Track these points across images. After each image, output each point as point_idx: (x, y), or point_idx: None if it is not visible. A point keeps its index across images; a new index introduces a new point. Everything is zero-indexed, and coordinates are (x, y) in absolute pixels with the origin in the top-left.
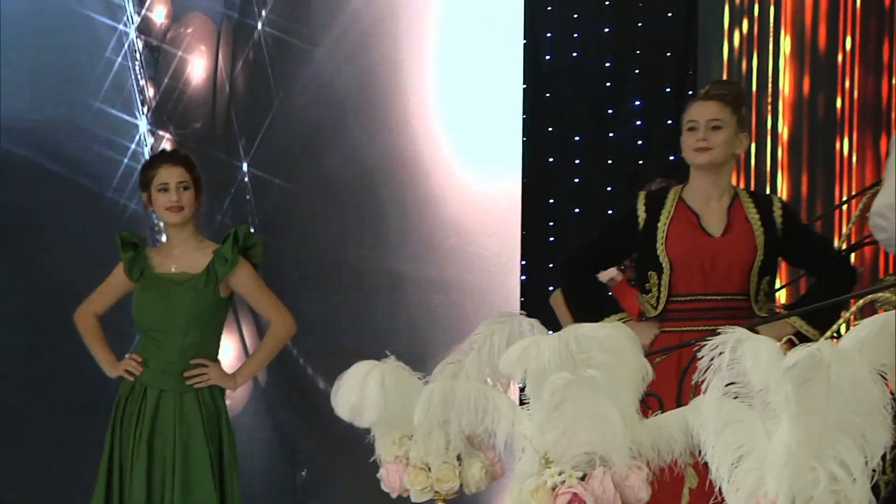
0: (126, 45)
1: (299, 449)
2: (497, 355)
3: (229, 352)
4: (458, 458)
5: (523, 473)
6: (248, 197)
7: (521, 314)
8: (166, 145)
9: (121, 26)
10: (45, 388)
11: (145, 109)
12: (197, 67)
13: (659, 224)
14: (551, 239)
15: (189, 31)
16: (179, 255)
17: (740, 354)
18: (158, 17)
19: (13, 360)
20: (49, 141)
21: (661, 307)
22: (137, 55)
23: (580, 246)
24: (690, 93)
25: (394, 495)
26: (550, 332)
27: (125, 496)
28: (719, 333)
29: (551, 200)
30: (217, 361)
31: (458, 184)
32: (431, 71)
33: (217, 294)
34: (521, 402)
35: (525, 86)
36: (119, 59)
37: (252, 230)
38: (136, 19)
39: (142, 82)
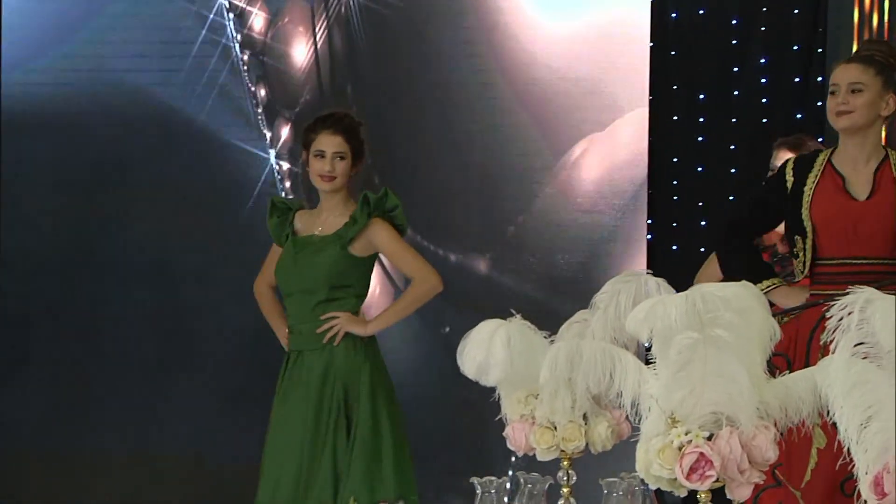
0: (232, 57)
1: None
2: (623, 315)
3: None
4: (584, 417)
5: (649, 433)
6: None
7: (647, 273)
8: (286, 130)
9: (223, 41)
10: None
11: (260, 110)
12: (299, 53)
13: (805, 188)
14: (675, 198)
15: (286, 20)
16: (325, 219)
17: (869, 314)
18: (258, 23)
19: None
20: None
21: (806, 271)
22: (244, 65)
23: (736, 211)
24: (820, 50)
25: (520, 454)
26: (677, 292)
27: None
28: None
29: (675, 159)
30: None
31: (584, 143)
32: (558, 30)
33: (348, 254)
34: (647, 362)
35: (652, 44)
36: (225, 71)
37: (389, 192)
38: (239, 36)
39: (252, 87)
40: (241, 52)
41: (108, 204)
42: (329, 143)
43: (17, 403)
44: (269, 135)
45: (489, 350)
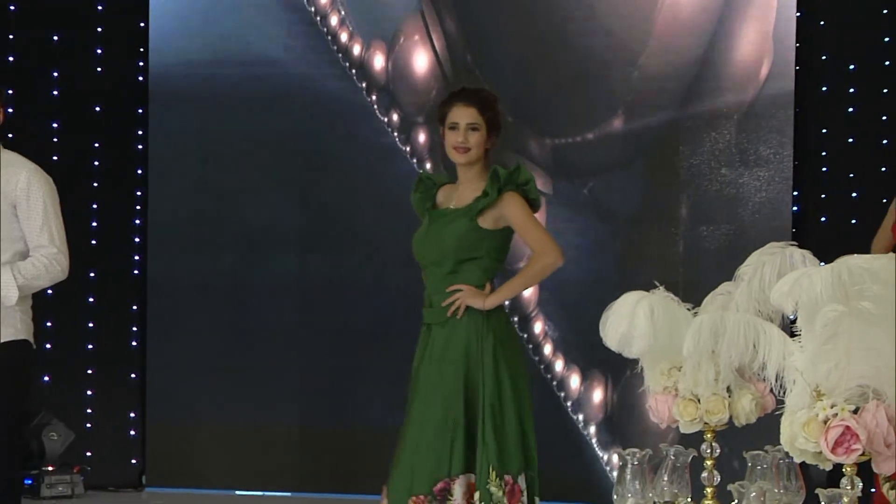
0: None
1: None
2: (767, 287)
3: None
4: (728, 389)
5: (794, 406)
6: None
7: (792, 245)
8: (422, 135)
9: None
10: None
11: (395, 134)
12: (420, 61)
13: None
14: (824, 169)
15: (402, 41)
16: (462, 192)
17: None
18: (378, 62)
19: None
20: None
21: None
22: (374, 104)
23: None
24: None
25: (662, 426)
26: (822, 264)
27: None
28: None
29: (824, 130)
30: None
31: (728, 114)
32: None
33: (476, 226)
34: (792, 335)
35: (798, 13)
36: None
37: (522, 166)
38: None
39: (385, 118)
40: (368, 95)
41: (253, 178)
42: (462, 114)
43: (167, 376)
44: (407, 150)
45: (632, 322)
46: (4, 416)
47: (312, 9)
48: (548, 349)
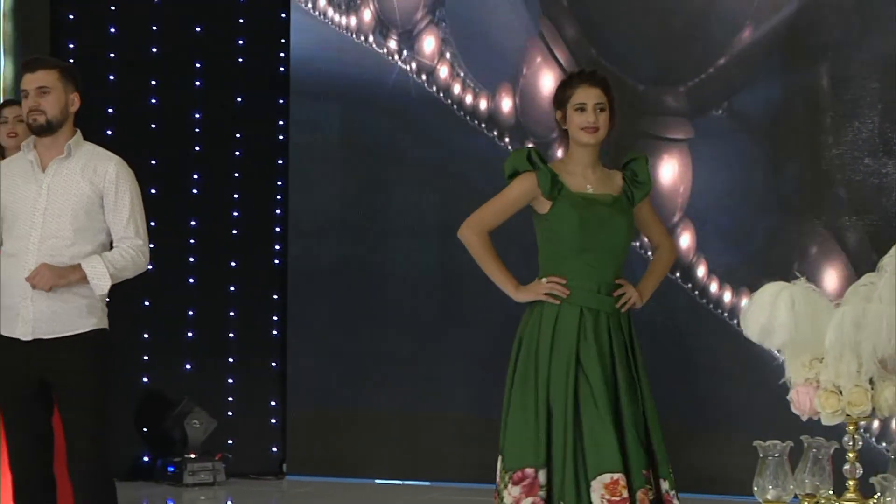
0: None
1: None
2: None
3: None
4: (871, 381)
5: None
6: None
7: None
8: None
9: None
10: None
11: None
12: (546, 82)
13: None
14: None
15: (525, 70)
16: (592, 176)
17: None
18: (506, 106)
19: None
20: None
21: None
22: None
23: None
24: None
25: (804, 418)
26: None
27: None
28: None
29: None
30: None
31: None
32: None
33: (632, 215)
34: None
35: None
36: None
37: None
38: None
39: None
40: (501, 140)
41: (393, 167)
42: (589, 95)
43: (307, 364)
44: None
45: (772, 313)
46: (99, 401)
47: (434, 87)
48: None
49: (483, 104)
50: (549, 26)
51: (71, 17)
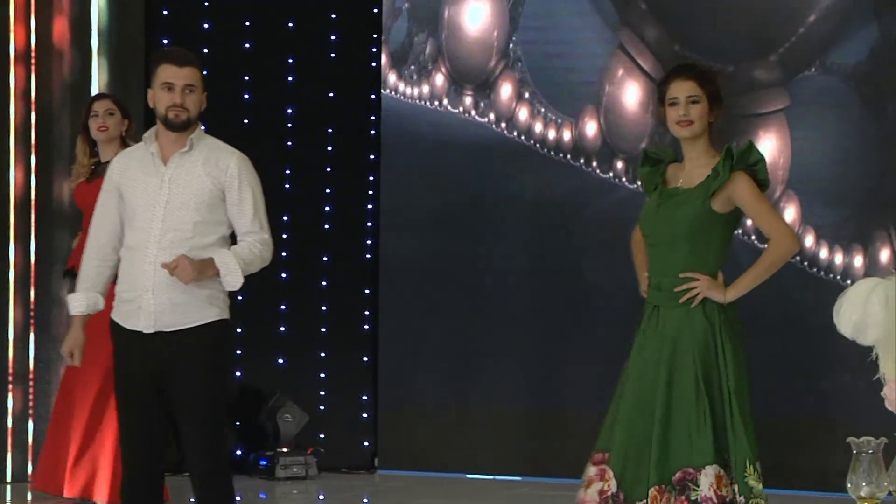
0: None
1: None
2: None
3: None
4: None
5: None
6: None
7: None
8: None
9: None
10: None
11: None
12: (631, 93)
13: None
14: None
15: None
16: (690, 170)
17: None
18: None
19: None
20: None
21: None
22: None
23: None
24: None
25: None
26: None
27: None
28: None
29: None
30: (711, 276)
31: None
32: None
33: (709, 209)
34: None
35: None
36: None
37: (753, 146)
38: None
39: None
40: (587, 166)
41: (484, 161)
42: (681, 88)
43: (398, 359)
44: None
45: (866, 309)
46: (220, 392)
47: (514, 133)
48: None
49: (567, 135)
50: (629, 34)
51: (165, 12)
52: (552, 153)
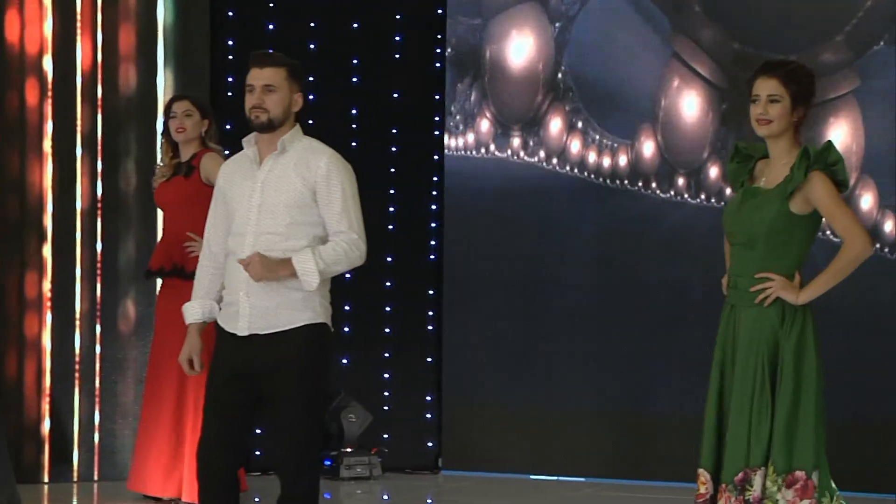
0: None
1: None
2: None
3: None
4: None
5: None
6: None
7: None
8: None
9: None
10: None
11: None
12: (689, 104)
13: None
14: None
15: (664, 101)
16: (773, 169)
17: None
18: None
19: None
20: None
21: None
22: None
23: None
24: None
25: None
26: None
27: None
28: None
29: None
30: (788, 277)
31: None
32: None
33: (788, 211)
34: None
35: None
36: None
37: (832, 146)
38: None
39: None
40: (646, 188)
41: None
42: (763, 86)
43: (463, 360)
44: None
45: None
46: (312, 396)
47: (567, 168)
48: None
49: (623, 160)
50: (683, 41)
51: (230, 14)
52: (608, 181)
